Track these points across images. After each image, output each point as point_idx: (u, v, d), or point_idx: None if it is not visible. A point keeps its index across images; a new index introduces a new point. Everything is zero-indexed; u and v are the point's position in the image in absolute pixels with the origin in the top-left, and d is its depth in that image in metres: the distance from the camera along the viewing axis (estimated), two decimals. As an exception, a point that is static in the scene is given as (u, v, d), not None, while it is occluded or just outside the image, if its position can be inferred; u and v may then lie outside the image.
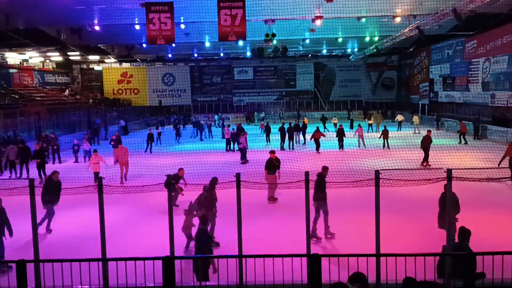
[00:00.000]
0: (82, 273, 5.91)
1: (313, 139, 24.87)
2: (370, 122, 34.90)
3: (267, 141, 28.41)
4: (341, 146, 25.18)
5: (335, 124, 35.70)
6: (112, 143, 23.18)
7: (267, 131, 28.95)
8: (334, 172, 13.14)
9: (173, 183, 8.35)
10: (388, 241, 9.85)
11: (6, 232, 9.25)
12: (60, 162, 23.10)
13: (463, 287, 5.88)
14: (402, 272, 5.35)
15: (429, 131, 20.14)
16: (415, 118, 34.26)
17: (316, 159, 18.32)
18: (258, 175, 13.66)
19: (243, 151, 21.66)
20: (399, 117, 35.87)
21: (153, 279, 6.00)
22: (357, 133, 26.41)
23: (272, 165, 14.07)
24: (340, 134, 25.27)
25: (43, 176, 17.80)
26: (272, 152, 14.62)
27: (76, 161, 23.13)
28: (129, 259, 6.04)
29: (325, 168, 10.95)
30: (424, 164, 18.85)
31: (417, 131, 31.71)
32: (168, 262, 5.91)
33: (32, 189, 6.42)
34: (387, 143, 25.29)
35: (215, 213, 10.26)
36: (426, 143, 19.19)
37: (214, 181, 10.32)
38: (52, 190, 11.15)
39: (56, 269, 5.97)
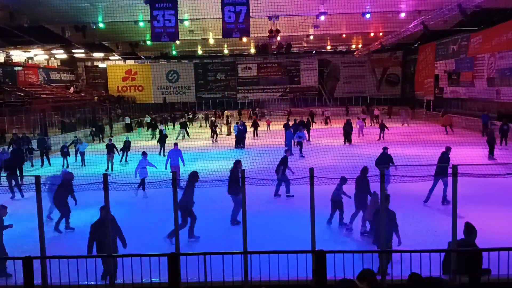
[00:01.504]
0: (88, 270, 5.95)
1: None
2: (363, 116, 35.88)
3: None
4: (349, 139, 26.06)
5: (328, 118, 36.38)
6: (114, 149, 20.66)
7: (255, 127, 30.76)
8: (339, 168, 13.13)
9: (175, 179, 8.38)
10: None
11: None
12: (50, 164, 21.60)
13: (468, 284, 5.86)
14: (407, 268, 5.34)
15: (491, 126, 21.57)
16: (407, 111, 37.34)
17: (320, 156, 18.29)
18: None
19: (302, 145, 22.63)
20: (375, 111, 38.40)
21: (158, 275, 6.04)
22: (357, 124, 28.92)
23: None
24: (345, 128, 26.13)
25: (15, 190, 15.08)
26: (386, 148, 14.61)
27: (64, 165, 20.97)
28: (135, 256, 6.08)
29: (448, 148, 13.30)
30: (490, 157, 19.63)
31: (405, 124, 34.48)
32: (173, 258, 5.94)
33: (38, 186, 6.45)
34: (383, 135, 27.10)
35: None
36: (490, 138, 19.98)
37: (366, 170, 10.77)
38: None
39: (62, 266, 6.01)
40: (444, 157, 13.21)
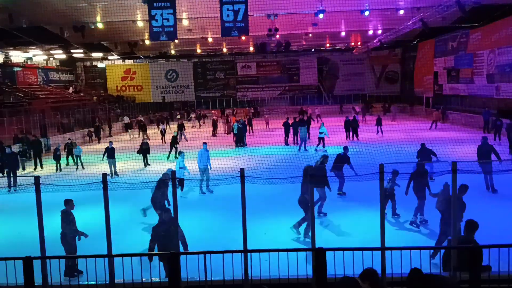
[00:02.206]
0: (88, 269, 5.95)
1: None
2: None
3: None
4: (348, 136, 26.78)
5: (318, 116, 36.55)
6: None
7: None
8: (363, 165, 13.11)
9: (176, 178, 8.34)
10: (394, 234, 9.86)
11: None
12: (42, 167, 21.08)
13: (468, 280, 5.86)
14: (407, 265, 5.34)
15: None
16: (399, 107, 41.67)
17: (320, 153, 18.26)
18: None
19: (324, 140, 23.53)
20: (357, 108, 40.84)
21: (159, 275, 6.04)
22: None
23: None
24: (351, 124, 27.10)
25: None
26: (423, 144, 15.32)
27: (58, 169, 20.34)
28: (135, 255, 6.08)
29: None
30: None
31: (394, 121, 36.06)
32: (173, 257, 5.94)
33: (37, 186, 6.45)
34: (381, 130, 28.18)
35: None
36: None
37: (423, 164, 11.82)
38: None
39: (62, 266, 6.01)
40: (484, 149, 13.88)
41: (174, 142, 23.24)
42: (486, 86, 31.37)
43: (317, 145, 23.30)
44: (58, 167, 20.55)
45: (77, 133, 31.83)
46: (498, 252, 5.70)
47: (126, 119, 38.09)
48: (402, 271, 5.57)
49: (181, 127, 30.54)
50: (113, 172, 18.78)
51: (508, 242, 5.74)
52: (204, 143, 16.27)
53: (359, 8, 25.74)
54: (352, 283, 4.55)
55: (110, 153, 18.93)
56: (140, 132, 32.25)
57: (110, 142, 19.66)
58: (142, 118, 36.52)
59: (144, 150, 20.67)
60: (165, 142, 28.24)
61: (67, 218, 8.47)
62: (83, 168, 20.66)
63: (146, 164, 20.69)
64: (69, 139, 23.41)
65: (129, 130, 34.72)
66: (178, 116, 41.87)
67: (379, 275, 4.77)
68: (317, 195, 11.65)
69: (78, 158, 20.96)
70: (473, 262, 5.89)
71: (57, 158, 20.38)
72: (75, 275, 8.06)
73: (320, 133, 23.68)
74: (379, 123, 28.67)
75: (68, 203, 8.65)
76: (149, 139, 29.40)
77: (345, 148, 14.47)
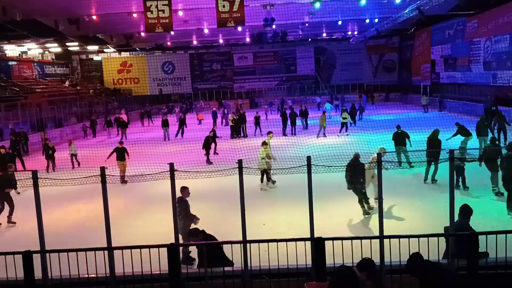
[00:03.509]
0: (88, 262, 5.96)
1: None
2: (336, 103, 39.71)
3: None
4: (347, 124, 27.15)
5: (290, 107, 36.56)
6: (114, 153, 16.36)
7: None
8: (338, 156, 13.13)
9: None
10: (392, 223, 9.91)
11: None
12: (24, 167, 18.82)
13: (466, 267, 5.90)
14: (405, 253, 5.37)
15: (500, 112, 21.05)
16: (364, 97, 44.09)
17: (317, 144, 18.31)
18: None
19: (347, 124, 25.17)
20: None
21: (158, 266, 6.06)
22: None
23: None
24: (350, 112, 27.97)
25: None
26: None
27: (49, 168, 18.70)
28: (134, 247, 6.09)
29: None
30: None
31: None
32: (173, 249, 5.96)
33: (35, 180, 6.44)
34: (361, 116, 31.34)
35: None
36: (501, 123, 18.92)
37: (494, 139, 14.28)
38: None
39: (62, 259, 6.02)
40: (482, 124, 16.42)
41: (214, 136, 20.46)
42: (483, 73, 31.35)
43: (345, 131, 24.79)
44: (51, 167, 18.96)
45: (74, 127, 31.72)
46: (496, 239, 5.74)
47: (123, 113, 37.85)
48: (401, 259, 5.61)
49: (165, 123, 27.24)
50: (120, 176, 15.26)
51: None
52: (269, 132, 16.79)
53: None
54: (349, 272, 4.55)
55: (119, 154, 16.18)
56: (119, 130, 29.35)
57: (121, 142, 17.15)
58: (122, 116, 32.03)
59: (208, 144, 18.80)
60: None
61: (183, 205, 8.52)
62: (79, 165, 19.16)
63: (208, 162, 18.43)
64: (47, 139, 21.32)
65: (108, 128, 31.05)
66: (165, 111, 38.66)
67: (376, 266, 4.79)
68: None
69: (75, 157, 19.47)
70: (470, 249, 5.92)
71: (48, 157, 18.85)
72: (192, 263, 8.10)
73: (344, 118, 25.08)
74: (361, 110, 31.79)
75: (184, 190, 8.63)
76: (126, 138, 26.85)
77: (398, 127, 15.66)
